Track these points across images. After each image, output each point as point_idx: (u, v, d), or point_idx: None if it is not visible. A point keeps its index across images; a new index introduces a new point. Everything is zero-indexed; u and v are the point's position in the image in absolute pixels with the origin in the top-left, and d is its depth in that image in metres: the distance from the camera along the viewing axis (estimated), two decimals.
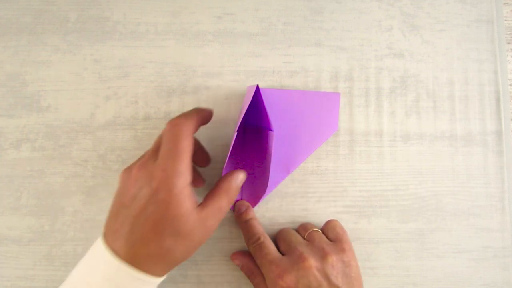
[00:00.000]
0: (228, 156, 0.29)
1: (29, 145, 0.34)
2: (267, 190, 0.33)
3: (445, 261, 0.34)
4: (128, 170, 0.27)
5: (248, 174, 0.33)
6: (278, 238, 0.32)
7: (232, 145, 0.28)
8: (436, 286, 0.34)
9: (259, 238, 0.30)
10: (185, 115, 0.27)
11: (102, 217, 0.33)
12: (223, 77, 0.35)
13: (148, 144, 0.34)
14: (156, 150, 0.27)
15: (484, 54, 0.36)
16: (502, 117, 0.36)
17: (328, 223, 0.32)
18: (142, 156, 0.28)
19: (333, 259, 0.28)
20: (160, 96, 0.35)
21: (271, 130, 0.28)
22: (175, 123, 0.26)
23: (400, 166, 0.35)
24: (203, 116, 0.28)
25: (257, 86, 0.26)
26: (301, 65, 0.36)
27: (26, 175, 0.34)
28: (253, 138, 0.34)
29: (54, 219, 0.33)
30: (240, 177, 0.29)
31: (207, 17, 0.36)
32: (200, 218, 0.25)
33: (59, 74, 0.35)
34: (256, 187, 0.33)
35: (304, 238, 0.31)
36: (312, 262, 0.27)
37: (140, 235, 0.24)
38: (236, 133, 0.28)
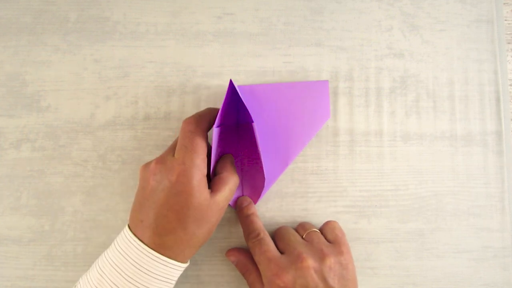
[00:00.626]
0: (214, 153, 0.29)
1: (29, 145, 0.34)
2: (267, 184, 0.33)
3: (445, 261, 0.34)
4: (147, 165, 0.28)
5: (247, 171, 0.33)
6: (276, 235, 0.31)
7: (215, 142, 0.28)
8: (436, 286, 0.34)
9: (259, 234, 0.30)
10: (198, 114, 0.29)
11: (102, 217, 0.34)
12: (223, 77, 0.35)
13: (148, 144, 0.34)
14: (173, 148, 0.29)
15: (484, 54, 0.36)
16: (502, 117, 0.36)
17: (327, 224, 0.32)
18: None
19: (331, 261, 0.28)
20: (160, 96, 0.35)
21: (252, 122, 0.28)
22: (189, 121, 0.28)
23: (400, 166, 0.35)
24: (214, 115, 0.30)
25: (230, 81, 0.26)
26: (301, 65, 0.36)
27: (26, 175, 0.34)
28: (245, 134, 0.34)
29: (54, 219, 0.34)
30: (230, 157, 0.31)
31: (207, 17, 0.36)
32: (215, 202, 0.27)
33: (59, 74, 0.35)
34: (256, 182, 0.33)
35: (302, 237, 0.31)
36: (311, 262, 0.27)
37: (166, 225, 0.26)
38: (215, 129, 0.28)
